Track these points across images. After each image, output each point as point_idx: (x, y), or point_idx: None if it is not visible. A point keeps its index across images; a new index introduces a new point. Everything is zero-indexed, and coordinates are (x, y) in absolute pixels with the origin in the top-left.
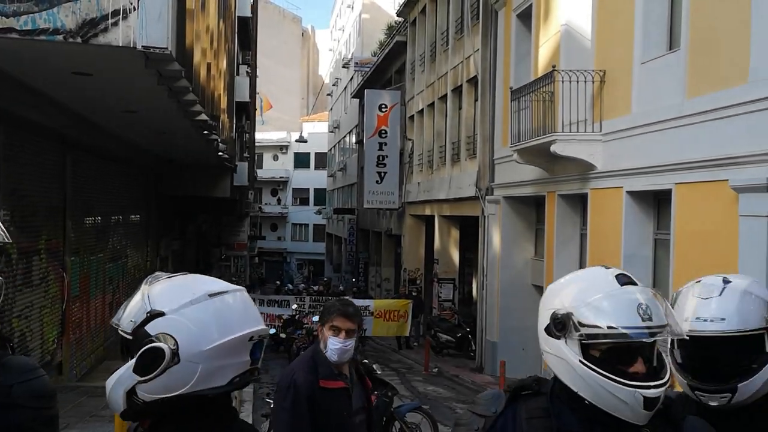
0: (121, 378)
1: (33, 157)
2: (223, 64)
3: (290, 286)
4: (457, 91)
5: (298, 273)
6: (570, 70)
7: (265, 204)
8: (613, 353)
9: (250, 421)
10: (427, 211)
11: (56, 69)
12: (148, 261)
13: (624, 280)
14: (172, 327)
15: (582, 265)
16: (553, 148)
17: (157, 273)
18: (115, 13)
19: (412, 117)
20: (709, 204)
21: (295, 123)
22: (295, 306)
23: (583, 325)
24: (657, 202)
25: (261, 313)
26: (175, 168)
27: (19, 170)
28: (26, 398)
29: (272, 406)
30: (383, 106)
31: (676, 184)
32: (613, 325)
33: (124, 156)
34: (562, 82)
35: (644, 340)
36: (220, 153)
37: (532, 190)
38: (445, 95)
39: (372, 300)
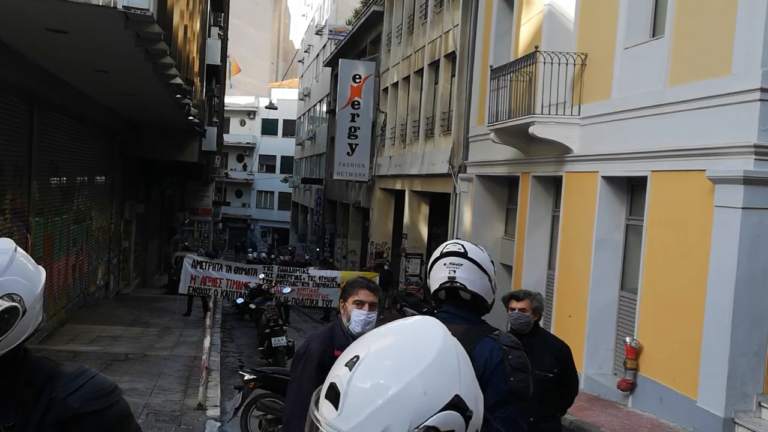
0: None
1: None
2: (197, 26)
3: (253, 254)
4: (434, 65)
5: (262, 240)
6: (552, 52)
7: (231, 169)
8: None
9: (218, 392)
10: (398, 186)
11: (30, 25)
12: (113, 223)
13: None
14: (6, 287)
15: (552, 246)
16: (531, 129)
17: None
18: None
19: (386, 89)
20: (685, 193)
21: (263, 88)
22: (262, 275)
23: None
24: (630, 188)
25: (228, 280)
26: (143, 130)
27: None
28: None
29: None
30: (357, 76)
31: (653, 171)
32: None
33: (92, 116)
34: (544, 63)
35: None
36: (191, 117)
37: (506, 170)
38: (422, 69)
39: (339, 271)
